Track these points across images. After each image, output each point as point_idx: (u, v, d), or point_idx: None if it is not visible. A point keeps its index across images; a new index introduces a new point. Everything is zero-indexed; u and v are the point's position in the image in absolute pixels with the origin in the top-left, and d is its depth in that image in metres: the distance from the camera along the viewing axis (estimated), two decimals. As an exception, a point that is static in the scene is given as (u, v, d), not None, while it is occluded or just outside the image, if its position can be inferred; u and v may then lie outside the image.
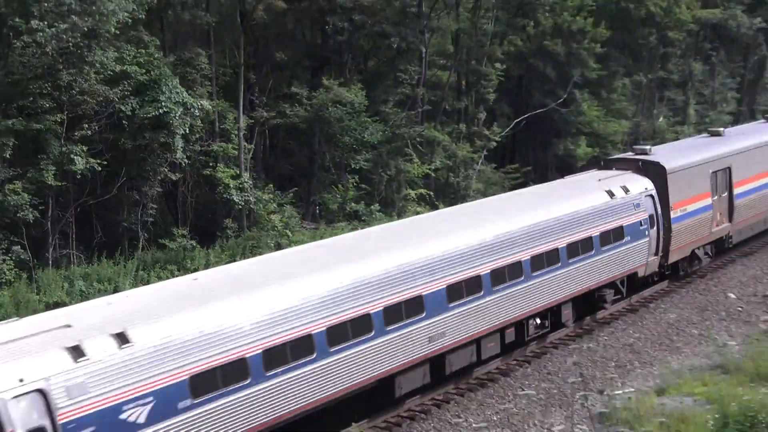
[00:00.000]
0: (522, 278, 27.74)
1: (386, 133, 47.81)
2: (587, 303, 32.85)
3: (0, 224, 34.21)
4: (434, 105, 53.16)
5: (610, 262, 32.55)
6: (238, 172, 41.90)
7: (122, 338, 18.08)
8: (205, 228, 42.38)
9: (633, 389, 25.54)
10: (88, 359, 17.27)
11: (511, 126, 56.43)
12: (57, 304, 32.37)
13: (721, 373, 26.19)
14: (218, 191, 40.97)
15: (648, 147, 40.98)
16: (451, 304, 24.78)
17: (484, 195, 50.07)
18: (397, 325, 22.95)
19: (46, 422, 16.37)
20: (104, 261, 37.10)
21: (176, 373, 18.85)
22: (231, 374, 19.72)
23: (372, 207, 46.10)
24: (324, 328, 21.23)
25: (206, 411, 19.54)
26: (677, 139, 58.74)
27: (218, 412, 19.48)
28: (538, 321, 29.43)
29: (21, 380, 16.07)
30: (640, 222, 34.08)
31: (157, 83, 37.67)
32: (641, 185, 34.63)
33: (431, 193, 49.68)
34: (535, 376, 27.36)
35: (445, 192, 50.77)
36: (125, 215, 39.29)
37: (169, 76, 38.56)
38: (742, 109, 79.29)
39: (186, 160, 39.80)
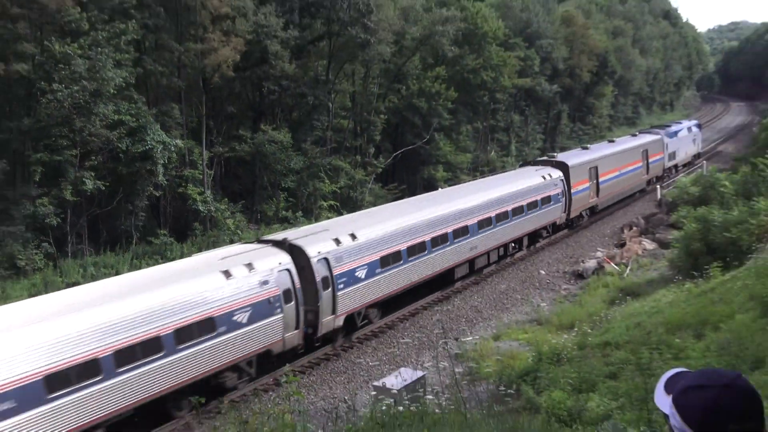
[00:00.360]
0: (490, 226, 37.38)
1: (306, 163, 50.28)
2: (531, 240, 43.52)
3: (33, 227, 36.21)
4: (338, 143, 55.93)
5: (547, 214, 43.61)
6: (202, 190, 44.03)
7: (353, 236, 29.40)
8: (180, 229, 44.05)
9: (477, 337, 27.92)
10: (341, 244, 28.35)
11: (391, 158, 59.74)
12: (75, 283, 33.72)
13: (536, 324, 28.85)
14: (189, 203, 43.28)
15: (555, 154, 54.06)
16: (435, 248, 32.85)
17: (374, 205, 51.34)
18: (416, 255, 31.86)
19: (328, 274, 27.19)
20: (108, 253, 39.60)
21: (375, 255, 29.82)
22: (393, 258, 30.58)
23: (297, 214, 48.40)
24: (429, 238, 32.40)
25: (388, 275, 30.68)
26: (504, 167, 66.87)
27: (393, 274, 30.55)
28: (502, 251, 39.52)
29: (318, 252, 27.08)
30: (558, 194, 44.80)
31: (143, 128, 39.90)
32: (558, 173, 45.50)
33: (338, 203, 52.34)
34: (411, 329, 29.29)
35: (347, 203, 53.02)
36: (123, 220, 41.51)
37: (152, 123, 40.82)
38: (546, 146, 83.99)
39: (165, 182, 42.11)
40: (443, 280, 34.66)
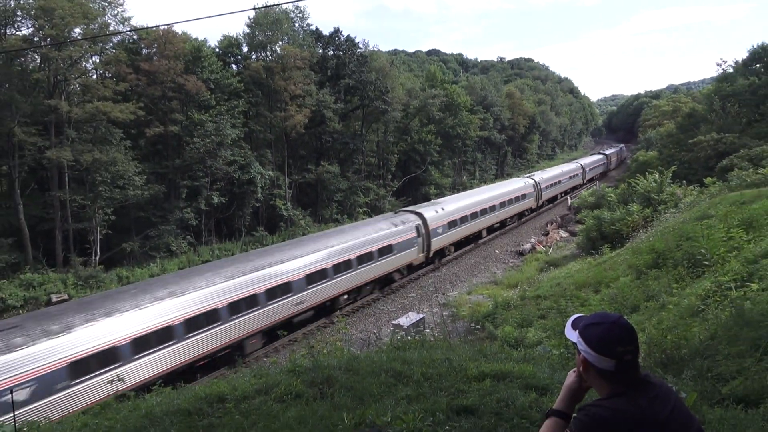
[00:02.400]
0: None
1: (348, 185, 49.73)
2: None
3: (181, 226, 36.49)
4: (369, 172, 55.32)
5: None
6: (285, 202, 43.51)
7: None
8: (271, 227, 43.35)
9: (457, 292, 27.49)
10: (437, 213, 31.10)
11: (401, 181, 58.66)
12: (207, 261, 33.66)
13: (494, 284, 28.25)
14: (277, 210, 42.93)
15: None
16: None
17: (391, 210, 54.48)
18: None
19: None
20: (227, 242, 39.77)
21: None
22: (454, 223, 32.67)
23: (344, 216, 48.30)
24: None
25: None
26: (473, 187, 59.20)
27: (455, 231, 32.66)
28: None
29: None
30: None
31: (249, 165, 40.43)
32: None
33: (369, 210, 51.29)
34: (415, 287, 28.37)
35: (374, 210, 51.40)
36: (236, 221, 41.15)
37: (254, 162, 41.11)
38: (498, 173, 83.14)
39: (262, 197, 41.74)
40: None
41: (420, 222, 29.99)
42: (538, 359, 8.13)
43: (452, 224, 32.95)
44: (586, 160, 68.06)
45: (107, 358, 14.45)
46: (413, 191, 61.02)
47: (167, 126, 36.31)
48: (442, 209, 32.62)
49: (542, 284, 22.96)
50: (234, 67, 46.02)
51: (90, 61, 36.17)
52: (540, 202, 48.88)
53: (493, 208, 38.65)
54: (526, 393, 5.88)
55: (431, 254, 31.33)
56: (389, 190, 56.74)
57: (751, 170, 28.49)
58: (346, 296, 24.68)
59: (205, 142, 36.60)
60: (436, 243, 31.34)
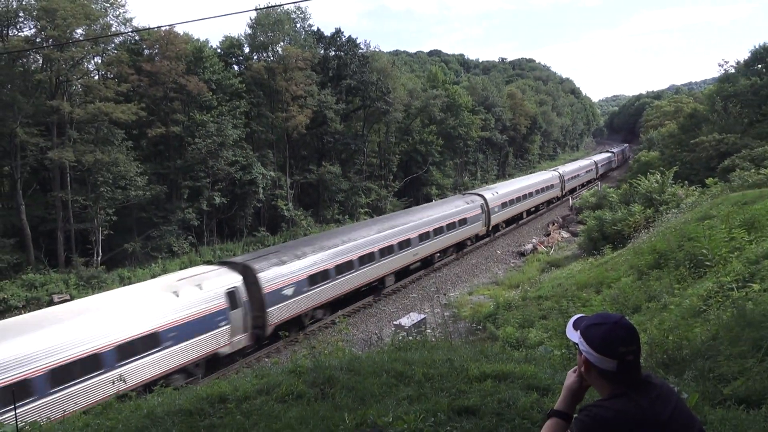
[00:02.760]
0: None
1: (350, 185, 49.60)
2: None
3: (182, 227, 36.42)
4: (370, 173, 55.09)
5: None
6: (287, 202, 43.50)
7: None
8: (273, 227, 43.33)
9: (458, 292, 27.28)
10: (492, 195, 34.94)
11: (403, 181, 58.63)
12: (209, 262, 32.96)
13: (495, 285, 28.03)
14: (278, 210, 42.91)
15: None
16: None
17: (393, 211, 52.94)
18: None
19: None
20: (228, 242, 39.74)
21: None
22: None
23: (345, 217, 48.28)
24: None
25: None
26: (474, 187, 60.70)
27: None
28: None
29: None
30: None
31: (250, 165, 40.44)
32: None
33: (370, 210, 51.45)
34: (417, 288, 27.99)
35: (376, 210, 51.73)
36: (237, 222, 41.22)
37: (256, 162, 41.09)
38: (499, 174, 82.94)
39: (264, 198, 41.76)
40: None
41: (483, 202, 36.25)
42: (539, 360, 8.13)
43: (504, 205, 39.33)
44: (598, 157, 76.21)
45: (323, 276, 22.05)
46: (414, 192, 61.06)
47: (169, 126, 36.36)
48: (497, 192, 39.19)
49: (544, 285, 22.89)
50: (235, 67, 46.08)
51: (92, 61, 36.21)
52: (563, 192, 53.86)
53: (531, 195, 45.20)
54: (527, 393, 5.87)
55: (491, 227, 37.74)
56: (390, 190, 56.73)
57: (753, 171, 28.41)
58: (439, 254, 31.55)
59: (207, 143, 36.61)
60: (494, 219, 37.89)
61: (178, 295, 16.64)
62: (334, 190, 48.03)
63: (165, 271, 32.55)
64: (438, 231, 30.41)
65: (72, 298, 27.66)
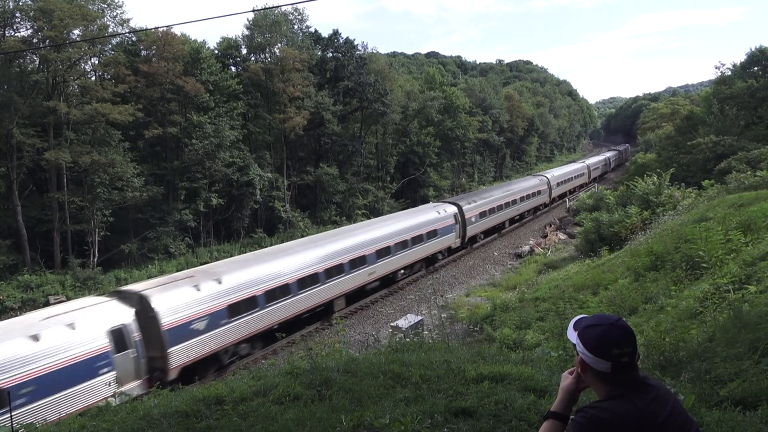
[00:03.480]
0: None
1: (347, 186, 49.72)
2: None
3: (179, 228, 36.36)
4: (368, 174, 55.23)
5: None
6: (284, 204, 43.64)
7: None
8: (270, 228, 43.31)
9: (455, 294, 27.31)
10: (469, 204, 33.43)
11: (400, 183, 59.02)
12: (205, 263, 33.01)
13: (492, 286, 27.98)
14: (275, 212, 43.16)
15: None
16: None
17: (390, 212, 53.44)
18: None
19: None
20: (225, 243, 39.49)
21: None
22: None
23: (342, 218, 48.03)
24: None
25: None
26: (471, 189, 62.02)
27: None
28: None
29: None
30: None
31: (247, 166, 40.26)
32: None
33: (367, 212, 50.94)
34: (413, 290, 28.02)
35: (373, 212, 51.15)
36: (234, 223, 40.90)
37: (253, 163, 41.04)
38: (497, 176, 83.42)
39: (261, 199, 41.73)
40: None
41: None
42: (536, 361, 8.10)
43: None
44: (609, 154, 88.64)
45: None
46: (412, 193, 61.09)
47: (166, 128, 36.30)
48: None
49: (541, 286, 22.87)
50: (233, 68, 46.05)
51: (89, 62, 36.14)
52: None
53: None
54: (524, 395, 5.86)
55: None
56: (388, 192, 56.73)
57: (749, 173, 28.49)
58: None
59: (204, 144, 36.55)
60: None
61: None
62: (331, 191, 48.04)
63: (161, 273, 32.44)
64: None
65: (68, 299, 27.58)
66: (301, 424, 5.60)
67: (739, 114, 45.06)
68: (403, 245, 27.52)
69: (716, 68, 58.08)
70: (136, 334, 15.38)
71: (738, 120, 44.46)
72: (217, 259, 35.24)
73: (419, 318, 19.82)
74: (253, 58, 46.07)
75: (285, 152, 45.75)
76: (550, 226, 44.23)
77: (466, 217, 34.00)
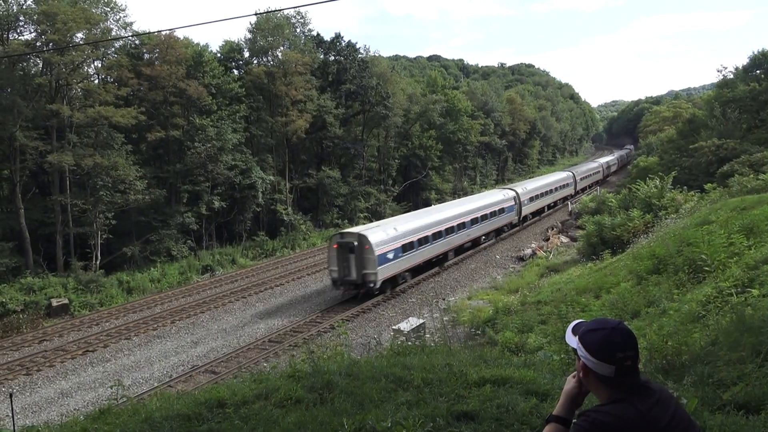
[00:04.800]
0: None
1: (349, 190, 49.59)
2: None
3: (181, 231, 36.24)
4: (370, 177, 54.93)
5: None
6: (286, 207, 43.42)
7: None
8: (272, 231, 43.14)
9: (458, 297, 27.16)
10: (523, 189, 43.03)
11: (402, 186, 59.36)
12: (207, 265, 35.39)
13: (494, 290, 27.89)
14: (277, 215, 42.90)
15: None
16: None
17: (392, 215, 55.56)
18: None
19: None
20: (227, 246, 39.41)
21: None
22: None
23: (344, 221, 48.15)
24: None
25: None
26: (473, 192, 62.79)
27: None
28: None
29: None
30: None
31: (250, 169, 40.17)
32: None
33: (369, 215, 51.09)
34: (416, 293, 28.12)
35: (375, 215, 51.35)
36: (236, 226, 40.73)
37: (255, 166, 40.90)
38: (499, 179, 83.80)
39: (263, 202, 41.60)
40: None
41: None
42: (538, 365, 8.11)
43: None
44: (620, 153, 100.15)
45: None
46: (414, 196, 61.13)
47: (168, 130, 36.36)
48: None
49: (543, 289, 22.80)
50: (235, 72, 46.08)
51: (92, 65, 36.24)
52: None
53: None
54: (526, 399, 5.86)
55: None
56: (390, 195, 56.73)
57: (752, 176, 28.46)
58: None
59: (206, 147, 36.56)
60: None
61: (505, 195, 41.05)
62: (333, 194, 47.89)
63: (164, 276, 32.77)
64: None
65: (70, 302, 27.80)
66: (302, 428, 5.60)
67: (742, 117, 44.99)
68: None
69: (718, 71, 58.07)
70: (517, 200, 41.31)
71: (740, 123, 44.39)
72: (219, 262, 36.56)
73: (421, 321, 19.74)
74: (255, 62, 46.17)
75: (287, 155, 45.71)
76: (553, 229, 44.18)
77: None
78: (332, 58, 52.42)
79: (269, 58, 46.21)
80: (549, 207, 51.41)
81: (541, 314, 17.58)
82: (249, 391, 7.02)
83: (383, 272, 26.20)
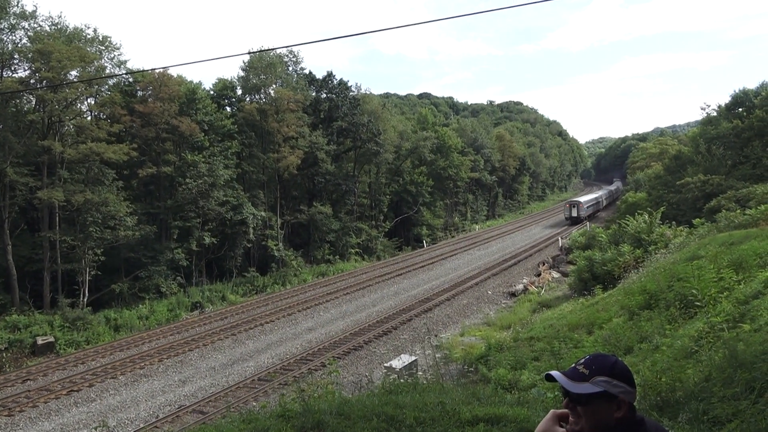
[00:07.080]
0: None
1: (341, 225, 49.53)
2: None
3: (171, 267, 35.76)
4: (361, 213, 54.98)
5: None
6: (277, 242, 43.18)
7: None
8: (263, 267, 42.81)
9: (450, 334, 27.01)
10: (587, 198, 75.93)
11: (393, 222, 59.08)
12: (197, 303, 34.75)
13: (486, 326, 27.82)
14: (269, 251, 42.49)
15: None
16: None
17: (383, 251, 54.06)
18: None
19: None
20: (218, 283, 38.91)
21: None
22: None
23: (335, 257, 48.44)
24: None
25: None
26: (464, 228, 70.08)
27: None
28: None
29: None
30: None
31: (241, 205, 40.03)
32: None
33: (361, 251, 52.02)
34: (408, 329, 27.93)
35: (366, 251, 52.44)
36: (227, 262, 40.33)
37: (246, 202, 40.75)
38: (489, 213, 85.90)
39: (254, 238, 41.25)
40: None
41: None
42: (532, 402, 8.01)
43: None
44: (613, 187, 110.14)
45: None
46: (405, 232, 61.17)
47: (160, 167, 36.41)
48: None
49: (535, 325, 22.65)
50: (228, 109, 46.47)
51: (85, 102, 36.43)
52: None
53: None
54: (520, 437, 5.75)
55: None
56: (381, 230, 56.67)
57: (739, 211, 28.80)
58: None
59: (198, 183, 36.49)
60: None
61: (596, 193, 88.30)
62: (324, 230, 47.78)
63: (152, 313, 32.26)
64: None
65: (56, 341, 27.18)
66: (292, 470, 5.45)
67: (726, 153, 45.85)
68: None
69: (702, 109, 59.29)
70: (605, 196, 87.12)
71: (725, 159, 45.21)
72: (209, 299, 36.13)
73: (413, 358, 19.54)
74: (248, 99, 46.64)
75: (279, 191, 45.80)
76: (544, 264, 44.24)
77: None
78: (324, 95, 53.08)
79: (262, 95, 46.73)
80: (589, 217, 74.72)
81: (534, 351, 17.41)
82: (238, 431, 6.86)
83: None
